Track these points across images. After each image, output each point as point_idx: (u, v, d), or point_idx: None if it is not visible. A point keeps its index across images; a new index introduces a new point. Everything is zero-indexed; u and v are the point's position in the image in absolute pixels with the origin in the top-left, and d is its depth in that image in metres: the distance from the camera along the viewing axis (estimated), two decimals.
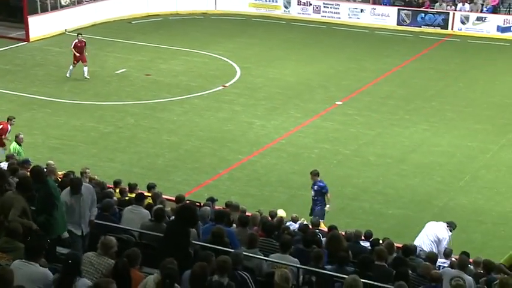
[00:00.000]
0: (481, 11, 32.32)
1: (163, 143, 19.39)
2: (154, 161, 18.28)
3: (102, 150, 18.84)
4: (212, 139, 19.69)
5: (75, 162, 17.28)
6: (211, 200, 13.02)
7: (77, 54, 23.78)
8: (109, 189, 12.87)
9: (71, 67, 24.06)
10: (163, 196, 12.79)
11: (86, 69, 24.04)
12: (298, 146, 19.38)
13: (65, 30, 30.34)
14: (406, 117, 21.62)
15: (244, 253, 8.69)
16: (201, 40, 29.50)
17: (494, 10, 32.35)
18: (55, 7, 30.33)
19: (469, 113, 21.89)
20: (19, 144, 15.99)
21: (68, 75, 24.02)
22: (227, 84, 24.44)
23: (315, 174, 15.14)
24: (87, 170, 13.72)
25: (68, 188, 9.57)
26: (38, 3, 29.50)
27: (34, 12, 29.23)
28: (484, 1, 32.61)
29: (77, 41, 24.06)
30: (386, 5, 33.60)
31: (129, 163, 18.11)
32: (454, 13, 32.41)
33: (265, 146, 19.31)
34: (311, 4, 34.60)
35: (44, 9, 29.78)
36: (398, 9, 33.28)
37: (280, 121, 21.14)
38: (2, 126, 17.21)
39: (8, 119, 17.27)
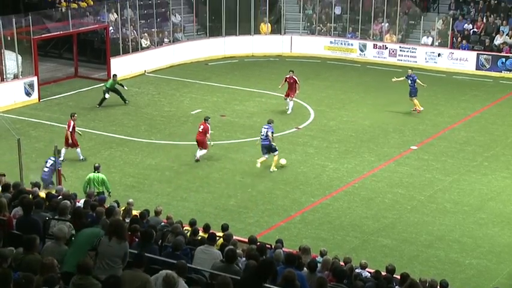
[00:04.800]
0: None
1: (236, 183, 19.58)
2: (227, 201, 18.45)
3: (176, 189, 19.18)
4: (285, 181, 19.74)
5: (150, 200, 17.68)
6: (280, 242, 12.98)
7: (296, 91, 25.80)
8: (182, 228, 13.06)
9: (289, 101, 25.75)
10: (235, 237, 12.85)
11: (291, 104, 25.83)
12: (371, 190, 19.19)
13: (145, 71, 31.39)
14: (484, 164, 21.12)
15: None
16: (276, 82, 29.88)
17: None
18: (136, 49, 31.47)
19: None
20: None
21: (288, 111, 25.64)
22: (301, 127, 24.57)
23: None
24: (159, 208, 14.02)
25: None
26: (121, 45, 30.70)
27: (116, 53, 30.40)
28: None
29: (288, 76, 25.86)
30: (465, 49, 33.19)
31: (202, 203, 18.35)
32: None
33: (338, 189, 19.21)
34: (387, 48, 34.58)
35: (126, 51, 30.95)
36: (477, 53, 32.79)
37: (354, 164, 21.02)
38: (72, 123, 20.33)
39: (71, 116, 20.57)
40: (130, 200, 14.53)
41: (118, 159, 21.17)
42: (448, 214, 17.89)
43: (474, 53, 32.79)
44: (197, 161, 20.95)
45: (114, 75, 26.55)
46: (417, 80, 25.74)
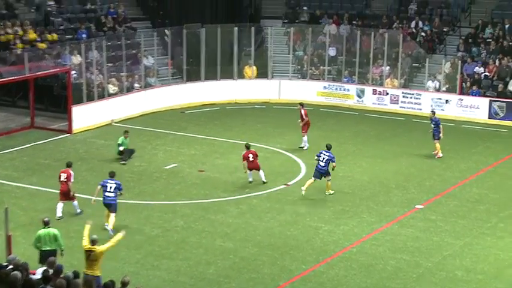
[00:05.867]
0: None
1: (216, 248, 19.54)
2: (205, 269, 18.37)
3: (147, 256, 19.09)
4: (272, 246, 19.73)
5: (116, 269, 17.55)
6: None
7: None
8: None
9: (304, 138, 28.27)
10: None
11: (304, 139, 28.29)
12: (371, 255, 19.20)
13: (112, 120, 31.55)
14: (500, 226, 21.25)
15: None
16: (262, 132, 30.15)
17: None
18: (102, 96, 31.68)
19: None
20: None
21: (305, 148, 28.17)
22: (290, 183, 24.68)
23: None
24: (126, 279, 13.82)
25: None
26: (84, 91, 30.90)
27: (79, 101, 30.56)
28: None
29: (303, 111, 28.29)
30: (475, 95, 33.76)
31: (177, 271, 18.26)
32: None
33: (333, 254, 19.21)
34: (388, 93, 35.12)
35: (90, 98, 31.14)
36: (490, 100, 33.38)
37: (351, 226, 21.08)
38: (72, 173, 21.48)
39: (68, 165, 21.69)
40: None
41: (79, 221, 21.04)
42: (460, 283, 17.88)
43: (486, 100, 33.38)
44: (264, 183, 24.05)
45: (126, 132, 26.93)
46: (440, 125, 27.24)
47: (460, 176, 25.58)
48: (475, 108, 33.45)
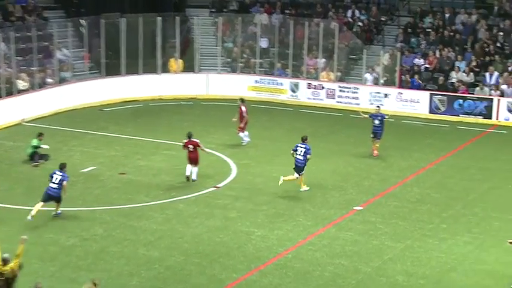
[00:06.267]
0: None
1: (139, 258, 19.31)
2: (128, 281, 18.13)
3: (63, 268, 18.73)
4: (200, 253, 19.61)
5: (27, 284, 17.14)
6: None
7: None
8: None
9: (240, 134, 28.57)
10: None
11: (242, 135, 28.71)
12: (307, 261, 19.27)
13: (22, 120, 30.91)
14: (442, 227, 21.62)
15: None
16: (189, 131, 29.96)
17: None
18: (10, 92, 31.00)
19: None
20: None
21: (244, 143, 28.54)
22: (220, 185, 24.62)
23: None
24: (39, 286, 13.54)
25: None
26: None
27: None
28: None
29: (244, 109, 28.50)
30: (416, 89, 34.32)
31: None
32: (499, 99, 33.02)
33: (266, 261, 19.20)
34: (323, 88, 35.43)
35: None
36: (430, 94, 33.99)
37: (286, 230, 21.13)
38: None
39: None
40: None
41: None
42: None
43: (427, 94, 34.03)
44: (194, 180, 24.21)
45: (41, 134, 26.64)
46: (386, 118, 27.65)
47: (400, 175, 25.94)
48: (415, 103, 34.06)
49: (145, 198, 23.30)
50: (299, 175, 23.71)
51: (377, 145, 27.59)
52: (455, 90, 33.97)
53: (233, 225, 21.41)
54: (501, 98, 33.02)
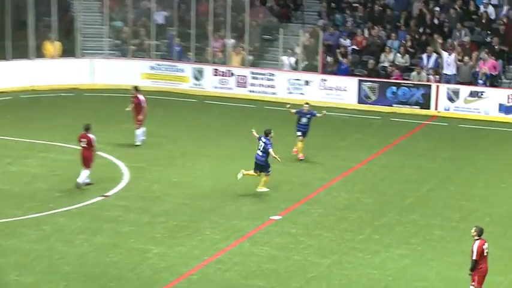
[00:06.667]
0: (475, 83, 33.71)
1: (10, 285, 18.97)
2: None
3: None
4: (86, 277, 19.39)
5: None
6: None
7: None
8: None
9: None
10: None
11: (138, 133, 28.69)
12: (217, 283, 19.27)
13: None
14: (374, 237, 21.87)
15: None
16: (70, 128, 29.53)
17: (493, 81, 33.81)
18: None
19: (464, 230, 22.29)
20: None
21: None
22: (109, 194, 24.42)
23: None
24: None
25: None
26: None
27: None
28: (477, 69, 33.99)
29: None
30: (342, 75, 34.66)
31: None
32: (438, 86, 33.66)
33: (167, 284, 19.13)
34: (233, 74, 35.50)
35: None
36: (359, 80, 34.43)
37: (190, 247, 21.06)
38: None
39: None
40: None
41: None
42: None
43: (355, 80, 34.48)
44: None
45: None
46: (317, 114, 27.66)
47: (325, 178, 26.22)
48: (341, 91, 34.43)
49: (17, 212, 22.86)
50: (259, 173, 24.34)
51: (300, 146, 27.63)
52: (388, 76, 34.49)
53: (125, 241, 21.21)
54: (440, 85, 33.64)
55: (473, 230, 17.27)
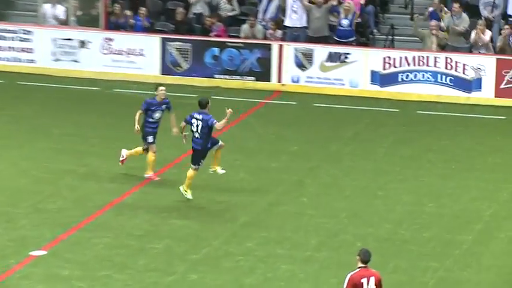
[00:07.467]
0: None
1: None
2: None
3: None
4: None
5: None
6: None
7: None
8: None
9: None
10: None
11: None
12: None
13: None
14: (191, 279, 21.42)
15: None
16: None
17: (362, 37, 34.11)
18: None
19: (324, 263, 22.19)
20: None
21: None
22: None
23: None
24: None
25: None
26: None
27: None
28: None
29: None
30: (137, 31, 34.29)
31: None
32: (281, 46, 33.66)
33: None
34: None
35: None
36: (162, 39, 34.50)
37: None
38: None
39: None
40: None
41: None
42: None
43: (156, 39, 34.73)
44: None
45: None
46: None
47: (113, 189, 26.31)
48: (136, 56, 34.72)
49: None
50: (195, 166, 25.26)
51: (153, 158, 27.11)
52: (206, 32, 34.34)
53: None
54: (285, 44, 33.62)
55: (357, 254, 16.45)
